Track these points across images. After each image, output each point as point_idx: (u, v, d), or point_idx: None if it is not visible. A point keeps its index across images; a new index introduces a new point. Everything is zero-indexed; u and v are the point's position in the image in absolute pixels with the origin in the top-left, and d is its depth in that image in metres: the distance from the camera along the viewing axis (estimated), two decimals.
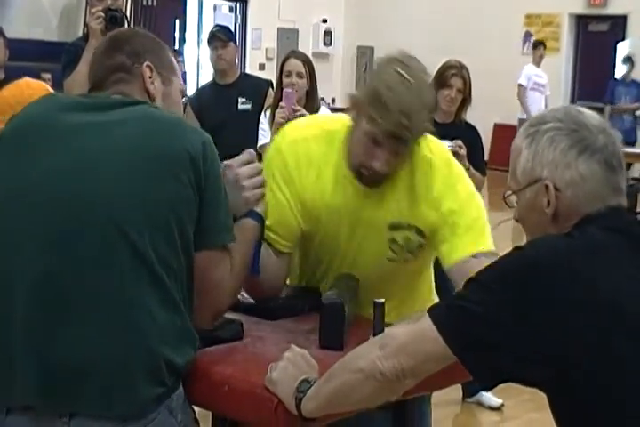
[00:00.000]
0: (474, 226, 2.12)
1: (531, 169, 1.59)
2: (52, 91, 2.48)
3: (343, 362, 1.63)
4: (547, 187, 1.57)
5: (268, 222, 2.09)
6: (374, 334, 1.85)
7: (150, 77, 1.92)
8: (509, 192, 1.65)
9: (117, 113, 1.81)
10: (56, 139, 1.78)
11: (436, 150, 2.20)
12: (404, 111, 1.97)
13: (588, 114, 1.61)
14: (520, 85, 10.18)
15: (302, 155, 2.18)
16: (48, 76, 7.44)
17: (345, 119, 2.16)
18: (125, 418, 1.66)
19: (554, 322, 1.42)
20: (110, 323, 1.66)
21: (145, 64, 1.91)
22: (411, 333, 1.54)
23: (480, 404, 4.39)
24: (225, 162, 2.00)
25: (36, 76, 7.75)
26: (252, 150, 2.05)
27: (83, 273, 1.67)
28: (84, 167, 1.73)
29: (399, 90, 1.98)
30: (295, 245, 2.23)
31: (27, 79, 2.75)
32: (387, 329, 1.75)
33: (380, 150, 2.04)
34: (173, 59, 2.01)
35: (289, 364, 1.73)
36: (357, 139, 2.08)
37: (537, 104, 10.20)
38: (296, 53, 4.64)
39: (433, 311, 1.52)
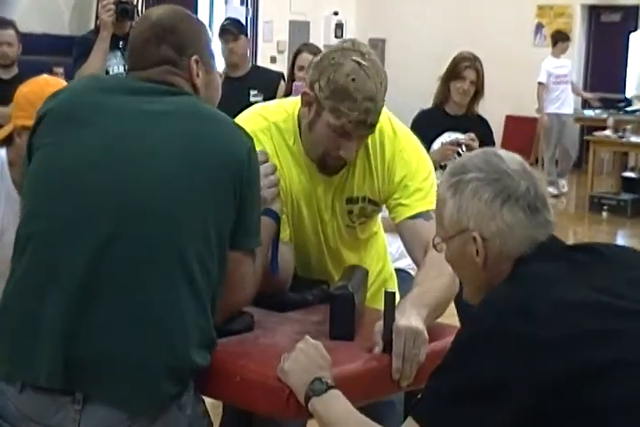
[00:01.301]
0: (422, 187, 2.21)
1: (457, 220, 1.62)
2: None
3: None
4: (474, 238, 1.59)
5: None
6: (384, 324, 1.86)
7: (197, 70, 1.92)
8: (438, 239, 1.68)
9: (165, 103, 1.81)
10: (103, 122, 1.78)
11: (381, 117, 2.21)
12: (368, 97, 2.02)
13: (508, 159, 1.63)
14: (540, 84, 9.84)
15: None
16: (60, 70, 7.45)
17: (286, 107, 2.21)
18: (137, 411, 1.67)
19: (533, 376, 1.41)
20: (141, 322, 1.68)
21: (193, 58, 1.90)
22: None
23: None
24: None
25: (49, 70, 7.78)
26: (264, 150, 2.08)
27: (124, 270, 1.68)
28: (133, 159, 1.74)
29: (361, 78, 2.03)
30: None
31: (45, 76, 2.75)
32: (403, 320, 1.77)
33: (347, 140, 2.08)
34: (210, 39, 2.01)
35: (301, 355, 1.74)
36: (320, 132, 2.11)
37: (567, 96, 9.92)
38: (308, 47, 4.64)
39: (416, 411, 1.52)
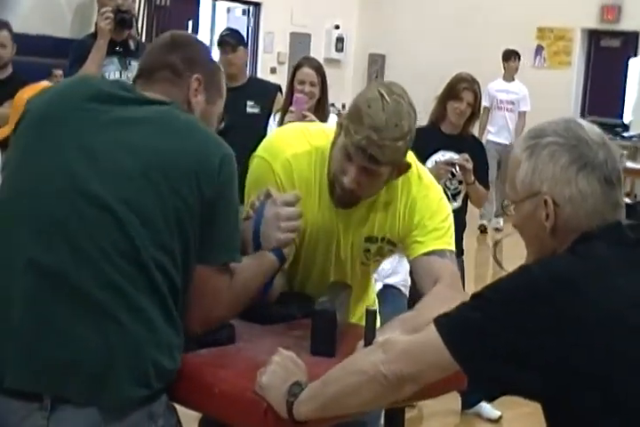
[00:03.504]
0: (440, 227, 2.23)
1: (530, 182, 1.60)
2: None
3: (343, 366, 1.65)
4: (546, 201, 1.58)
5: None
6: (365, 341, 1.86)
7: (196, 90, 1.93)
8: (508, 202, 1.66)
9: (143, 110, 1.83)
10: (75, 131, 1.79)
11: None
12: (375, 127, 2.03)
13: (589, 128, 1.61)
14: (484, 108, 8.32)
15: (296, 175, 2.21)
16: (60, 72, 7.46)
17: (329, 133, 2.21)
18: (106, 418, 1.67)
19: (556, 337, 1.44)
20: (104, 321, 1.68)
21: (195, 76, 1.92)
22: (416, 341, 1.56)
23: (479, 415, 4.38)
24: (272, 197, 2.05)
25: (48, 72, 7.79)
26: (297, 193, 2.09)
27: (84, 269, 1.69)
28: (98, 164, 1.74)
29: (375, 107, 2.05)
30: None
31: (45, 82, 2.75)
32: (386, 335, 1.77)
33: (350, 165, 2.09)
34: (224, 83, 2.02)
35: (278, 367, 1.74)
36: (335, 154, 2.13)
37: (506, 125, 9.21)
38: (309, 61, 4.65)
39: (439, 321, 1.54)
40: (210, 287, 1.84)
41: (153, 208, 1.73)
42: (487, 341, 1.48)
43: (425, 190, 2.25)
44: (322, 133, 2.26)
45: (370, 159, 2.07)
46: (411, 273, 2.33)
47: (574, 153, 1.57)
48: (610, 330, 1.46)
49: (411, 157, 2.20)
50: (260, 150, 2.27)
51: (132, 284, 1.70)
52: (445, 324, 1.53)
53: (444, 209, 2.27)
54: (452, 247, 2.23)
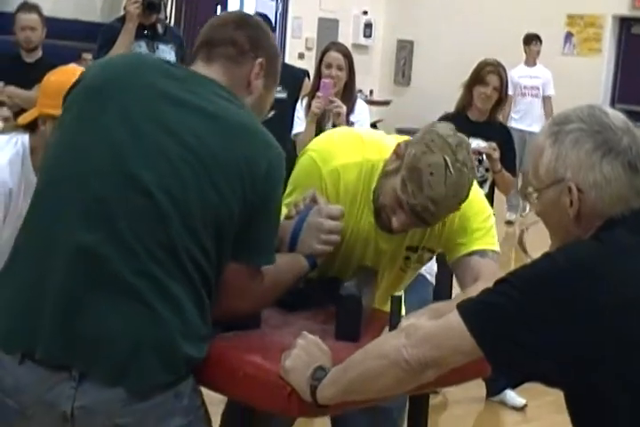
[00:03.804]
0: (481, 227, 2.20)
1: (554, 169, 1.59)
2: None
3: (366, 350, 1.65)
4: (570, 188, 1.57)
5: None
6: (390, 328, 1.87)
7: (257, 74, 1.90)
8: (531, 189, 1.66)
9: (200, 97, 1.79)
10: (125, 106, 1.77)
11: None
12: (433, 199, 2.01)
13: (613, 114, 1.60)
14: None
15: (342, 185, 2.20)
16: (89, 56, 7.48)
17: (385, 149, 2.17)
18: (132, 396, 1.69)
19: (582, 324, 1.45)
20: (137, 307, 1.69)
21: (259, 60, 1.90)
22: (439, 325, 1.56)
23: (503, 403, 4.36)
24: (318, 204, 2.06)
25: (78, 55, 7.82)
26: (342, 208, 2.08)
27: (120, 253, 1.69)
28: (143, 145, 1.73)
29: (437, 176, 2.00)
30: None
31: (74, 66, 2.74)
32: (410, 319, 1.77)
33: (402, 213, 2.07)
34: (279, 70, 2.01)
35: (302, 351, 1.75)
36: (387, 190, 2.10)
37: (530, 111, 8.98)
38: (337, 45, 4.64)
39: (462, 306, 1.54)
40: (239, 285, 1.84)
41: (193, 203, 1.72)
42: (508, 326, 1.48)
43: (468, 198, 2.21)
44: (376, 146, 2.23)
45: (422, 221, 2.08)
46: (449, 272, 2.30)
47: (598, 139, 1.57)
48: (629, 315, 1.46)
49: None
50: (314, 149, 2.25)
51: (166, 273, 1.70)
52: (468, 308, 1.54)
53: (485, 209, 2.25)
54: (495, 247, 2.21)
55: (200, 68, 1.89)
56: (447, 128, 2.07)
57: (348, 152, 2.21)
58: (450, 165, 2.00)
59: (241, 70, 1.89)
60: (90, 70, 1.90)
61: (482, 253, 2.17)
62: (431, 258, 2.34)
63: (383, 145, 2.22)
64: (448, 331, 1.54)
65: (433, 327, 1.57)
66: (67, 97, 1.89)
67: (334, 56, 4.46)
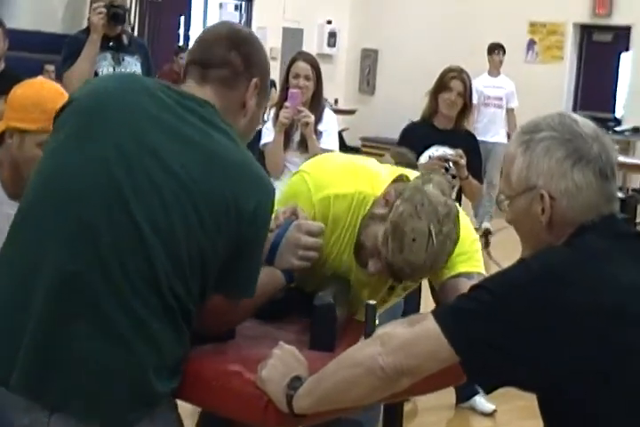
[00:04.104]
0: (466, 251, 2.17)
1: (526, 177, 1.61)
2: (66, 94, 2.45)
3: (340, 359, 1.65)
4: (542, 195, 1.59)
5: None
6: (365, 336, 1.87)
7: (252, 94, 1.87)
8: (503, 197, 1.67)
9: (203, 133, 1.77)
10: (117, 131, 1.74)
11: None
12: (411, 263, 2.00)
13: (582, 122, 1.62)
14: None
15: (332, 214, 2.18)
16: (52, 67, 7.45)
17: (378, 184, 2.16)
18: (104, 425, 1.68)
19: (554, 330, 1.46)
20: (113, 340, 1.67)
21: (255, 80, 1.87)
22: (414, 332, 1.57)
23: (473, 409, 4.38)
24: (298, 221, 2.05)
25: (40, 67, 7.77)
26: (322, 225, 2.08)
27: (103, 284, 1.67)
28: (134, 174, 1.70)
29: (419, 243, 1.98)
30: None
31: (41, 79, 2.71)
32: (384, 328, 1.77)
33: (379, 262, 2.06)
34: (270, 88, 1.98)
35: (278, 362, 1.75)
36: (370, 233, 2.08)
37: (493, 121, 8.85)
38: (304, 55, 4.64)
39: (438, 312, 1.55)
40: (218, 312, 1.84)
41: (180, 241, 1.70)
42: (484, 331, 1.49)
43: None
44: (370, 179, 2.21)
45: (395, 278, 2.10)
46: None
47: (569, 147, 1.58)
48: (606, 320, 1.47)
49: None
50: (309, 173, 2.23)
51: (148, 310, 1.68)
52: (444, 314, 1.54)
53: (470, 234, 2.22)
54: (481, 270, 2.19)
55: (193, 88, 1.85)
56: (439, 194, 2.03)
57: (341, 182, 2.19)
58: (434, 235, 1.98)
59: (235, 93, 1.86)
60: (81, 91, 1.87)
61: (468, 275, 2.15)
62: (416, 286, 2.33)
63: (377, 179, 2.21)
64: (424, 337, 1.54)
65: (408, 334, 1.57)
66: (56, 118, 1.86)
67: (302, 66, 4.46)
